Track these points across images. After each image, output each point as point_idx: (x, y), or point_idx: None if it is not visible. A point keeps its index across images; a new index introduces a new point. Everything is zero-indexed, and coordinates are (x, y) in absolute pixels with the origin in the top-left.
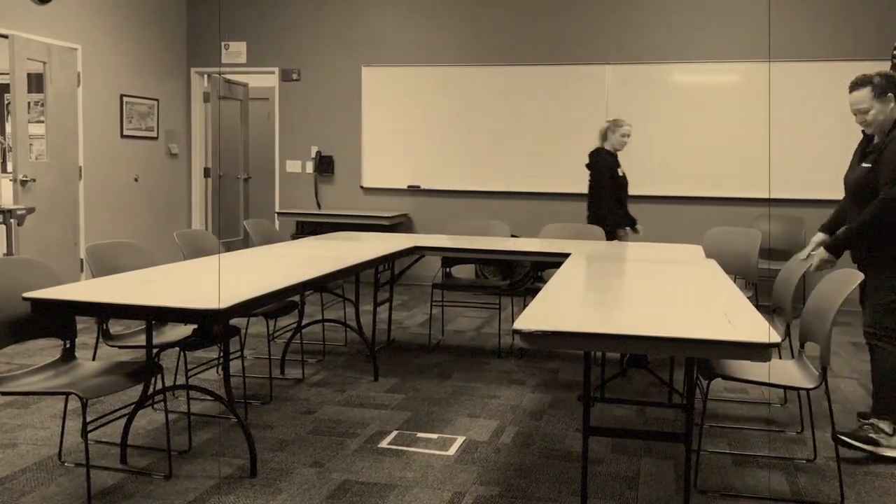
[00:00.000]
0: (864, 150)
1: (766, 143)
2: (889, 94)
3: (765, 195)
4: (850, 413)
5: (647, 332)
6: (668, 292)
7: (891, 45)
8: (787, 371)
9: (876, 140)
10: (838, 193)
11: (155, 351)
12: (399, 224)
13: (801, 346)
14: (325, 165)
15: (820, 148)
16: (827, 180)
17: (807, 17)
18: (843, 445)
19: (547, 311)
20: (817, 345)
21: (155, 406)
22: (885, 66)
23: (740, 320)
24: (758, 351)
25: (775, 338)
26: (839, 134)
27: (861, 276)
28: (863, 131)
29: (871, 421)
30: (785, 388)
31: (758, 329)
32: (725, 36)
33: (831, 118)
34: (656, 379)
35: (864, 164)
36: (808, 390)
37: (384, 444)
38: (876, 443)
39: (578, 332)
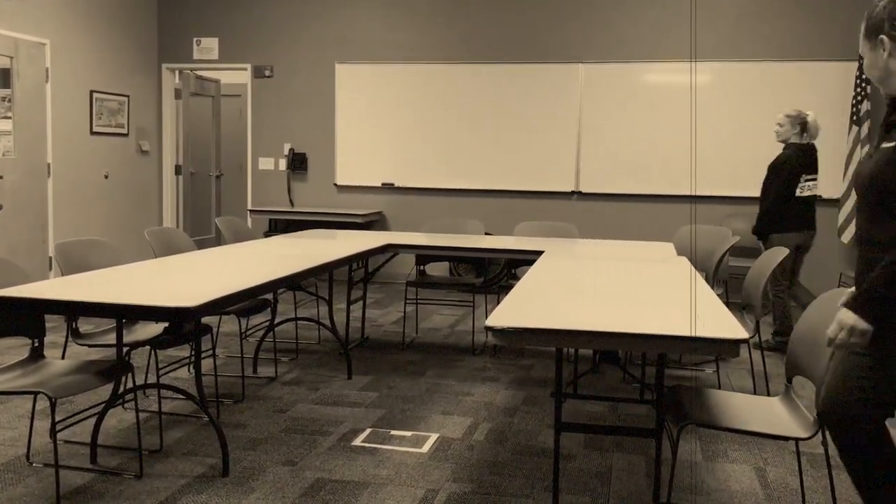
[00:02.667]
0: (887, 123)
1: (735, 141)
2: (880, 36)
3: (735, 193)
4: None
5: (616, 329)
6: (639, 290)
7: (858, 44)
8: (773, 413)
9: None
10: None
11: (125, 349)
12: (373, 222)
13: (789, 380)
14: (298, 163)
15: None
16: None
17: (774, 17)
18: None
19: (519, 308)
20: (808, 380)
21: (125, 405)
22: (853, 67)
23: (708, 317)
24: (727, 347)
25: (743, 334)
26: None
27: None
28: (888, 100)
29: None
30: (772, 437)
31: (726, 326)
32: (698, 36)
33: None
34: (628, 376)
35: (886, 145)
36: (799, 440)
37: (357, 442)
38: None
39: (549, 329)
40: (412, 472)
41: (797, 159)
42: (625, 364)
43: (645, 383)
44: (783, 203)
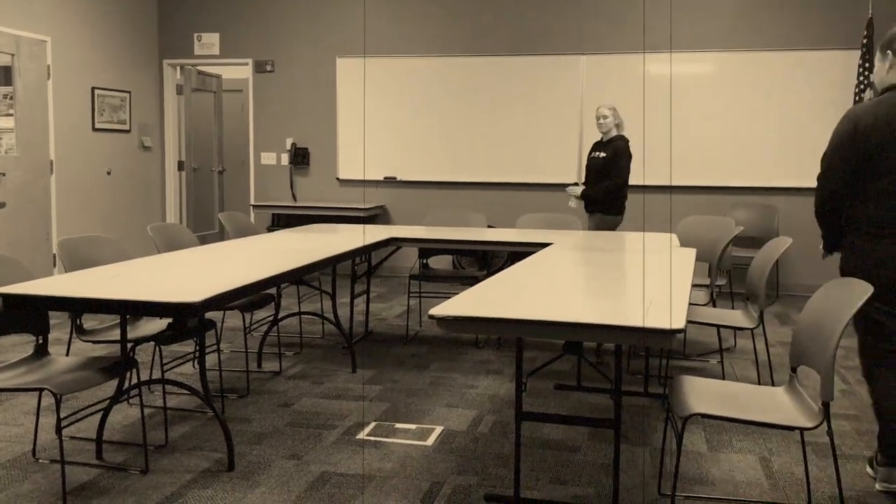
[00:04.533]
0: None
1: (740, 131)
2: (888, 51)
3: (740, 184)
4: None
5: (547, 318)
6: (613, 280)
7: (858, 33)
8: (778, 403)
9: None
10: (811, 181)
11: (129, 345)
12: (376, 216)
13: (793, 370)
14: (300, 157)
15: (792, 136)
16: (800, 169)
17: (776, 7)
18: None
19: (474, 298)
20: (813, 370)
21: (130, 401)
22: (856, 55)
23: (660, 308)
24: (658, 337)
25: (678, 325)
26: (811, 122)
27: (869, 287)
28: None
29: None
30: (777, 427)
31: (666, 318)
32: (700, 26)
33: (802, 106)
34: (635, 366)
35: None
36: (804, 430)
37: (362, 435)
38: None
39: (484, 317)
40: (417, 465)
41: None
42: (623, 356)
43: (649, 375)
44: (625, 186)
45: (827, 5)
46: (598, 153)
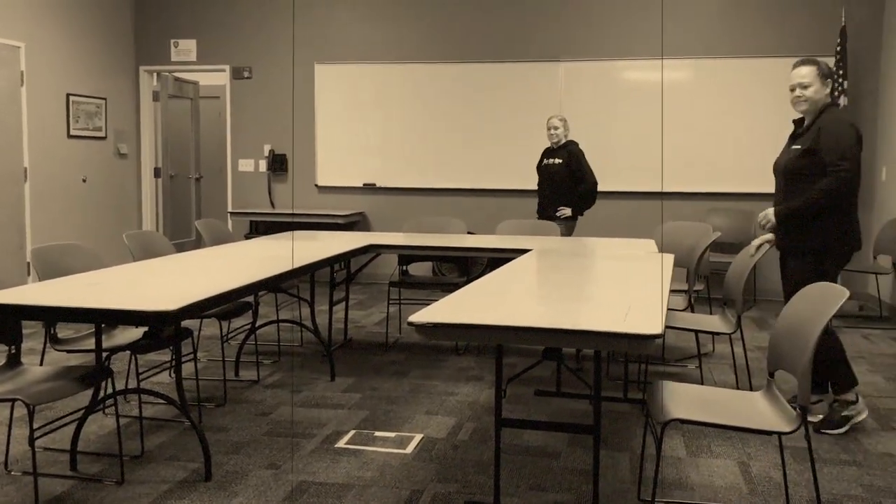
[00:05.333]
0: (794, 134)
1: (717, 137)
2: (828, 80)
3: (717, 190)
4: None
5: (526, 324)
6: (592, 286)
7: (832, 41)
8: (756, 408)
9: (806, 123)
10: None
11: (105, 355)
12: (355, 222)
13: (771, 374)
14: (278, 164)
15: (768, 142)
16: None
17: (752, 15)
18: (826, 434)
19: (454, 305)
20: (789, 374)
21: (106, 411)
22: (830, 62)
23: (642, 312)
24: (637, 342)
25: (656, 330)
26: (787, 128)
27: (844, 293)
28: (793, 120)
29: (837, 399)
30: (755, 431)
31: (645, 323)
32: (677, 33)
33: (778, 112)
34: (615, 372)
35: (795, 147)
36: (781, 434)
37: (341, 443)
38: (849, 418)
39: (464, 324)
40: (396, 473)
41: None
42: (603, 362)
43: (628, 381)
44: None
45: (802, 14)
46: (552, 160)
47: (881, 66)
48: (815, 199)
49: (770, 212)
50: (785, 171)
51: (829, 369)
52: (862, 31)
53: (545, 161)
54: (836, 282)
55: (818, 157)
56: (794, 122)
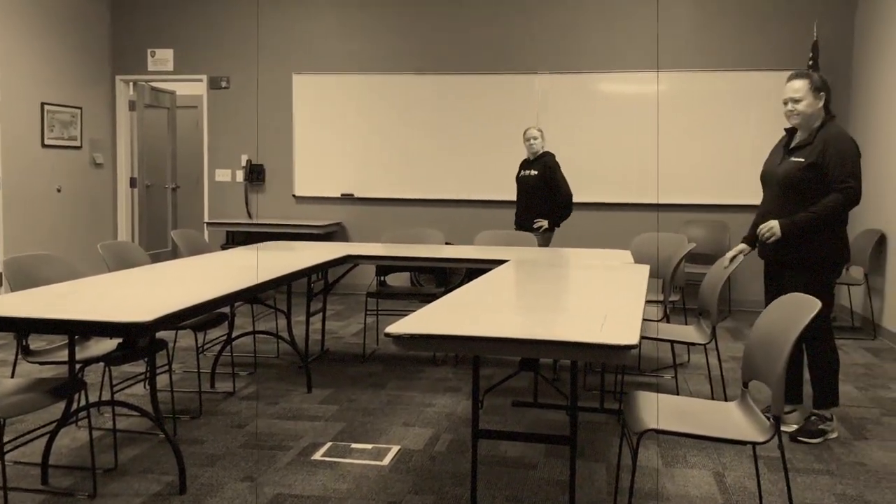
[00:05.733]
0: (788, 145)
1: (692, 149)
2: (822, 93)
3: (693, 201)
4: None
5: (503, 335)
6: (568, 297)
7: (805, 55)
8: (731, 418)
9: (801, 135)
10: (760, 198)
11: (78, 366)
12: (332, 233)
13: (745, 385)
14: (255, 174)
15: (742, 155)
16: (750, 186)
17: (727, 29)
18: (801, 443)
19: (431, 315)
20: (763, 384)
21: (78, 424)
22: None
23: (619, 323)
24: (613, 353)
25: (632, 340)
26: (761, 141)
27: (817, 304)
28: (785, 129)
29: (815, 413)
30: (729, 441)
31: (621, 333)
32: (652, 46)
33: (752, 125)
34: (592, 382)
35: (796, 159)
36: (756, 444)
37: (317, 456)
38: (825, 432)
39: (441, 335)
40: (373, 486)
41: None
42: (580, 373)
43: (605, 391)
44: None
45: (775, 28)
46: (528, 171)
47: (852, 79)
48: (822, 214)
49: (775, 225)
50: (784, 182)
51: (820, 381)
52: (833, 46)
53: (522, 172)
54: (833, 294)
55: (822, 172)
56: (787, 130)
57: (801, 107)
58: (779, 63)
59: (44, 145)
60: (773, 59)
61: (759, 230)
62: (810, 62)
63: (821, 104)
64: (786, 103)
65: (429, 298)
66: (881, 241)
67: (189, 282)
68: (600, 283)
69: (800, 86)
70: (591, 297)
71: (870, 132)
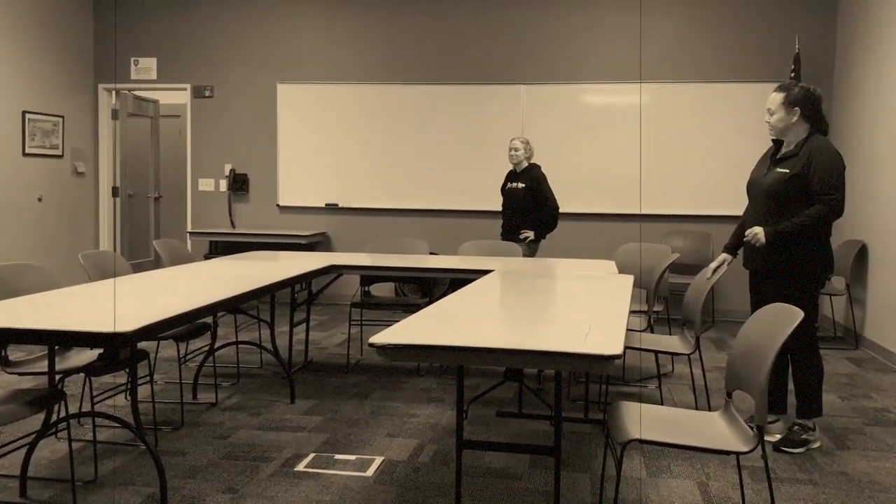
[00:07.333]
0: (774, 155)
1: (675, 160)
2: (796, 108)
3: (676, 211)
4: None
5: (488, 345)
6: (552, 307)
7: (787, 67)
8: (714, 428)
9: (786, 147)
10: (743, 210)
11: (58, 377)
12: (316, 243)
13: (729, 395)
14: (239, 184)
15: (725, 166)
16: (733, 197)
17: (709, 41)
18: (785, 452)
19: (415, 326)
20: (747, 394)
21: (58, 435)
22: None
23: (599, 334)
24: (597, 363)
25: (616, 350)
26: (744, 152)
27: (800, 314)
28: (773, 139)
29: (799, 423)
30: (713, 451)
31: (605, 343)
32: (636, 58)
33: (735, 136)
34: (576, 392)
35: (781, 170)
36: (739, 454)
37: (301, 467)
38: (808, 442)
39: (425, 345)
40: (357, 497)
41: None
42: (564, 383)
43: (590, 399)
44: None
45: (757, 40)
46: (515, 183)
47: (833, 91)
48: (805, 224)
49: (760, 232)
50: (769, 192)
51: (804, 391)
52: (815, 58)
53: (509, 184)
54: (817, 304)
55: (806, 183)
56: (774, 141)
57: (773, 120)
58: (761, 75)
59: (25, 154)
60: (755, 71)
61: (745, 234)
62: (792, 74)
63: (794, 119)
64: (767, 112)
65: (413, 309)
66: (862, 251)
67: (171, 292)
68: (584, 294)
69: (772, 98)
70: (575, 308)
71: (851, 144)
